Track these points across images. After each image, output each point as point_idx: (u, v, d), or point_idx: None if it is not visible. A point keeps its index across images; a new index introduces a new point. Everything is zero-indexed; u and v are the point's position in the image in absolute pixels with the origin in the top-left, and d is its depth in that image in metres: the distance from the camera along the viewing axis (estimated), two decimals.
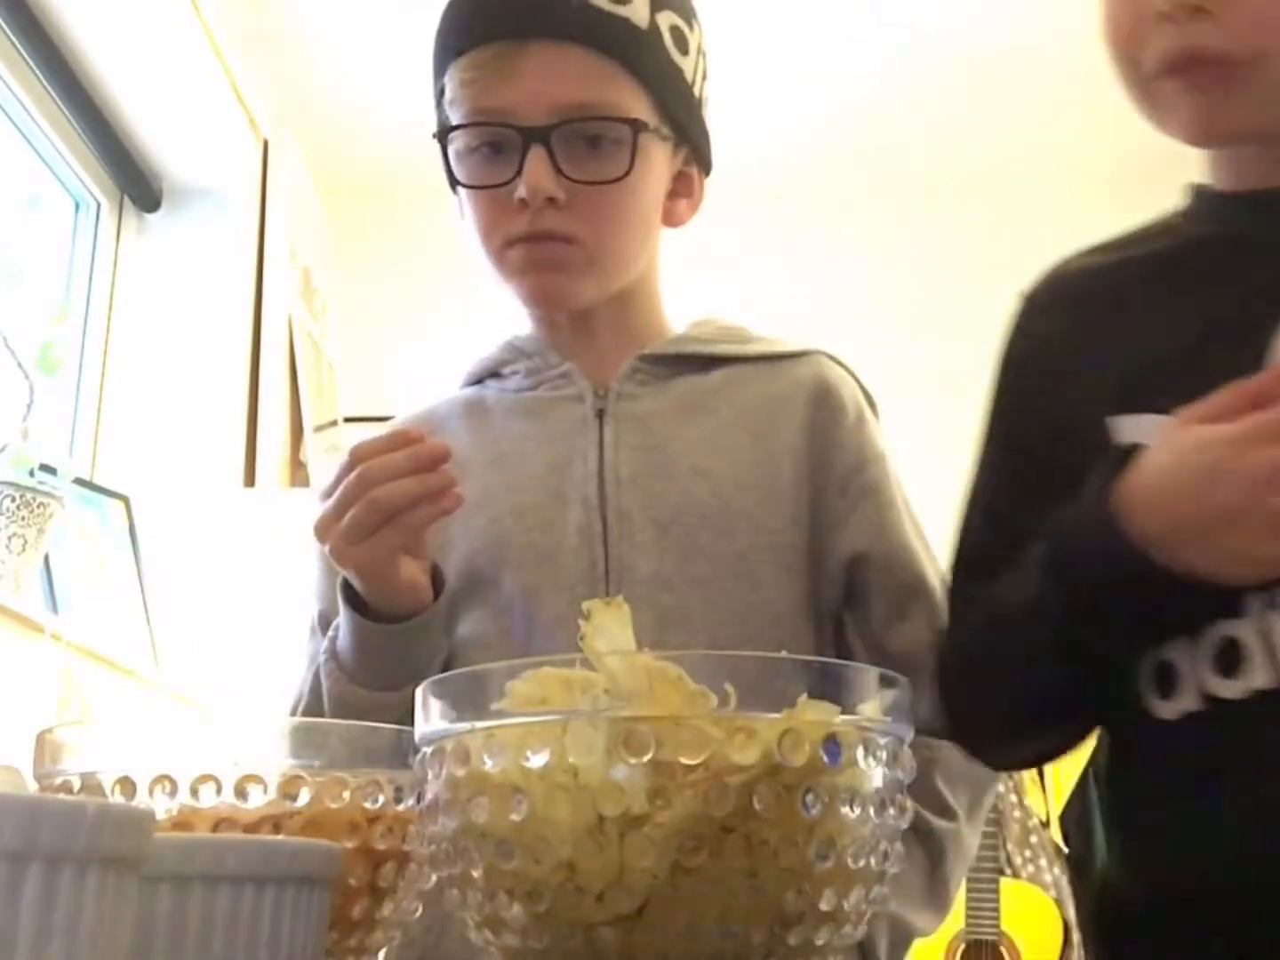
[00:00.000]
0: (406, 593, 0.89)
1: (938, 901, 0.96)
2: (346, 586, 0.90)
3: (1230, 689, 0.68)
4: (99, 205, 2.60)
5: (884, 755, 0.44)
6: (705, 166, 1.08)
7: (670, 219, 1.07)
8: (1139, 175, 2.01)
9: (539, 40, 0.98)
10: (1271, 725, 0.67)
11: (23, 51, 2.18)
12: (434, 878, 0.54)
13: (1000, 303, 0.87)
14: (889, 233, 3.20)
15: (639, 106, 0.99)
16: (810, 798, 0.42)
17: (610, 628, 0.49)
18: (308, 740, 0.56)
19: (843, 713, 0.43)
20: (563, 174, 0.96)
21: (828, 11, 2.76)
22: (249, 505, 2.49)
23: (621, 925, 0.42)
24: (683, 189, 1.06)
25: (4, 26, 2.10)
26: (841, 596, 1.00)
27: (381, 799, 0.54)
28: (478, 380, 1.11)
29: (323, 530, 0.87)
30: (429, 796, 0.46)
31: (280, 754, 0.55)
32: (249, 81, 2.73)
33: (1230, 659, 0.68)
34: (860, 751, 0.43)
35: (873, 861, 0.44)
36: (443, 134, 1.02)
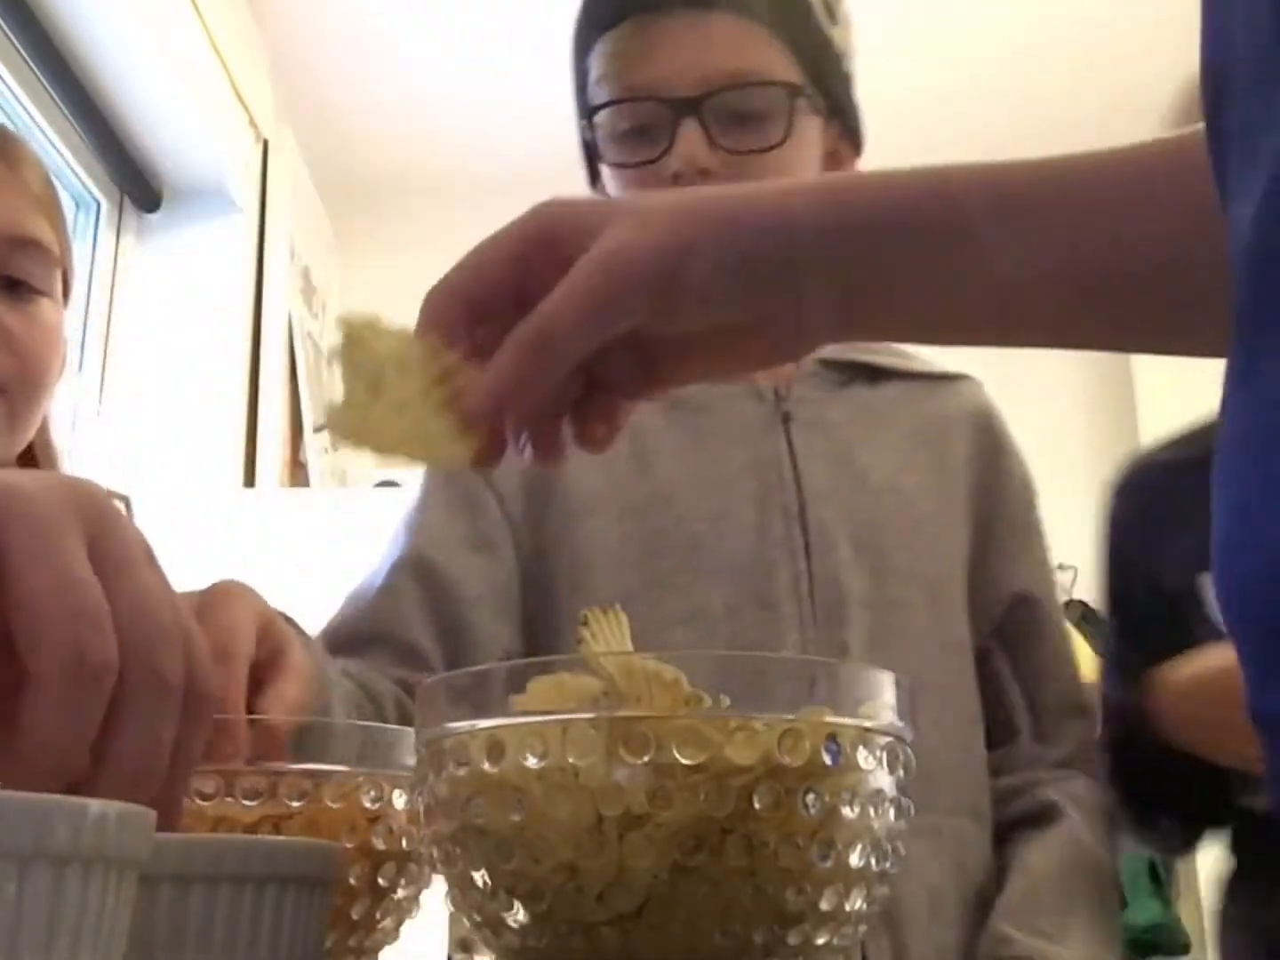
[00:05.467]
0: None
1: (1103, 937, 0.87)
2: None
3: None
4: (99, 205, 2.60)
5: (884, 755, 0.44)
6: (857, 145, 1.03)
7: None
8: None
9: (682, 10, 0.93)
10: None
11: (23, 52, 2.18)
12: (434, 878, 0.54)
13: None
14: None
15: (791, 73, 0.94)
16: (810, 798, 0.42)
17: (608, 634, 0.49)
18: (308, 740, 0.57)
19: (843, 713, 0.43)
20: (716, 145, 0.92)
21: None
22: (249, 505, 2.49)
23: (621, 925, 0.42)
24: (833, 168, 1.00)
25: (4, 26, 2.10)
26: (995, 628, 0.97)
27: (381, 799, 0.54)
28: None
29: None
30: (429, 796, 0.46)
31: (280, 754, 0.55)
32: (249, 81, 2.73)
33: None
34: (860, 751, 0.43)
35: (873, 862, 0.44)
36: (588, 115, 0.98)
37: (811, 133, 0.96)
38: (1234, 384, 0.34)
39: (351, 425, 0.51)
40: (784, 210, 0.54)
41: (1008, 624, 0.97)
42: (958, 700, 0.94)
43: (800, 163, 0.95)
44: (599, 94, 0.97)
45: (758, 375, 0.97)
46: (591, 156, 1.02)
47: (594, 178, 1.04)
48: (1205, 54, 0.40)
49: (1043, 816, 0.92)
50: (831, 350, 0.99)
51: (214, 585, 0.61)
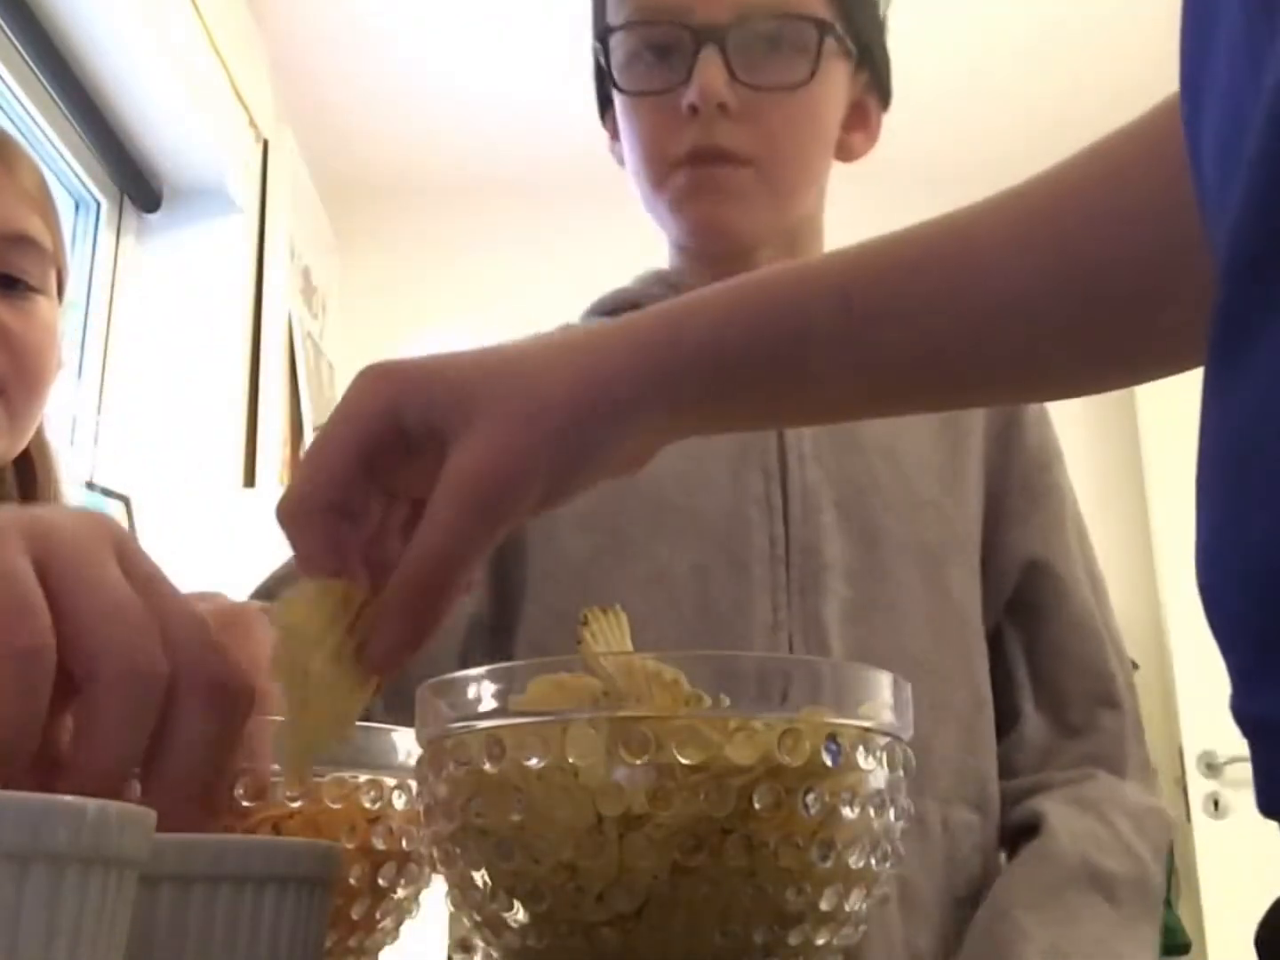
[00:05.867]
0: None
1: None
2: None
3: None
4: (99, 205, 2.61)
5: (884, 755, 0.44)
6: (884, 98, 0.97)
7: (844, 152, 0.95)
8: None
9: None
10: None
11: (23, 52, 2.18)
12: (434, 878, 0.54)
13: None
14: None
15: (824, 11, 0.88)
16: (810, 798, 0.42)
17: (608, 634, 0.49)
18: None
19: (843, 713, 0.43)
20: (737, 79, 0.86)
21: None
22: (249, 505, 2.50)
23: (621, 925, 0.42)
24: (858, 120, 0.95)
25: (4, 26, 2.10)
26: (1006, 602, 0.91)
27: (381, 799, 0.54)
28: (610, 312, 0.96)
29: None
30: (429, 796, 0.46)
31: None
32: (249, 81, 2.73)
33: None
34: (860, 751, 0.43)
35: (873, 862, 0.44)
36: (603, 35, 0.91)
37: (839, 77, 0.91)
38: (1211, 397, 0.35)
39: (302, 752, 0.48)
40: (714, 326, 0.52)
41: (1019, 596, 0.91)
42: (957, 681, 0.87)
43: (823, 108, 0.91)
44: (616, 14, 0.90)
45: None
46: (603, 83, 0.97)
47: (604, 107, 0.99)
48: (1184, 69, 0.40)
49: (1029, 829, 0.84)
50: None
51: (225, 608, 0.61)
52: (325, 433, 0.50)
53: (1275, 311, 0.31)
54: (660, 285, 0.95)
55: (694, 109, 0.86)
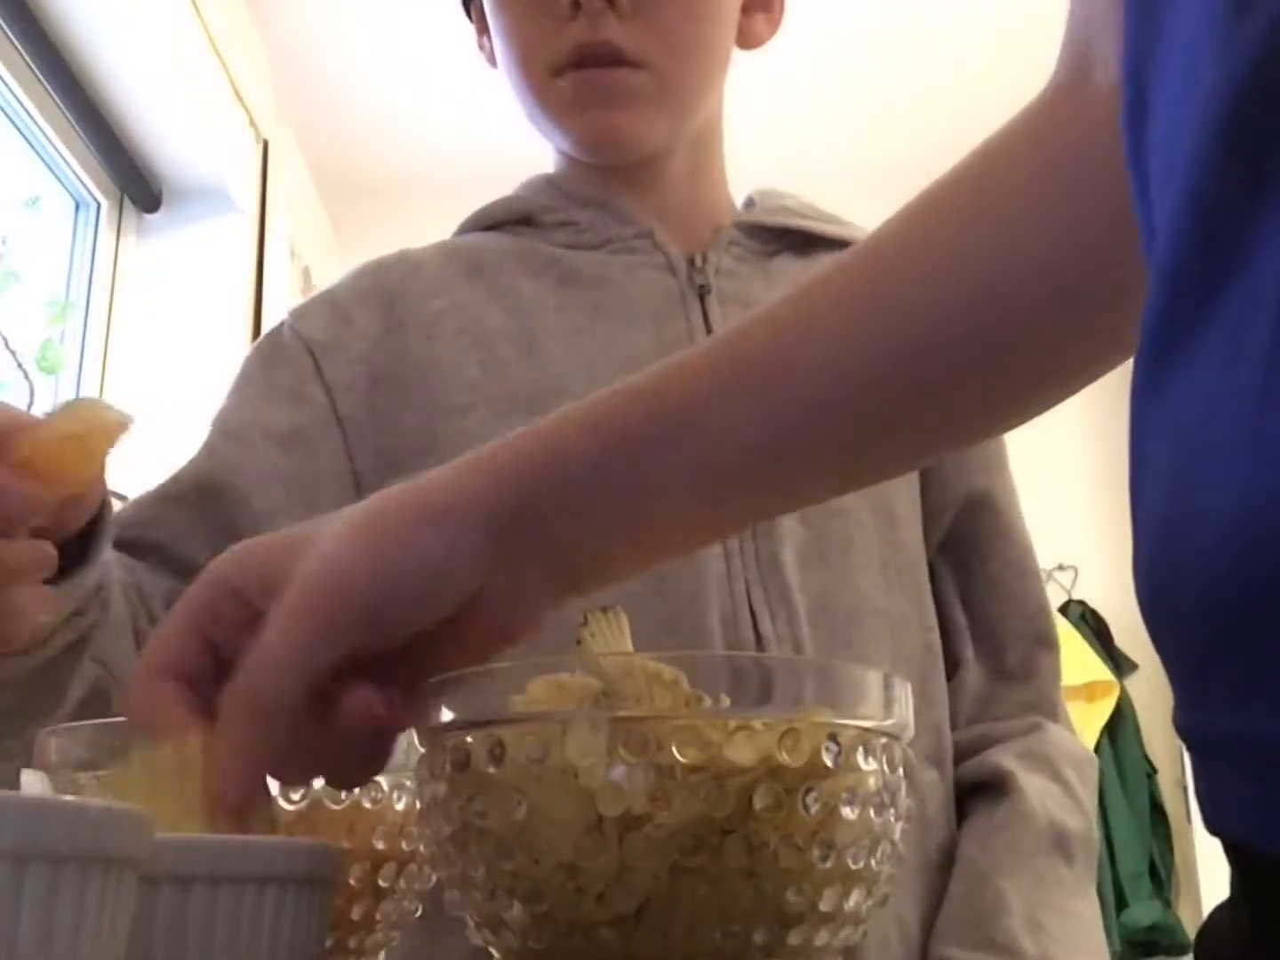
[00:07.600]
0: None
1: (1066, 915, 0.75)
2: None
3: None
4: (99, 205, 2.61)
5: (884, 755, 0.44)
6: None
7: (747, 38, 0.88)
8: None
9: None
10: None
11: (23, 52, 2.18)
12: (434, 878, 0.54)
13: None
14: None
15: None
16: (810, 798, 0.42)
17: (608, 634, 0.49)
18: None
19: (842, 713, 0.43)
20: None
21: None
22: None
23: (621, 925, 0.42)
24: (759, 1, 0.89)
25: (4, 26, 2.10)
26: (941, 538, 0.86)
27: (381, 799, 0.54)
28: (496, 224, 0.90)
29: None
30: (429, 796, 0.46)
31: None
32: (249, 81, 2.73)
33: None
34: (860, 751, 0.43)
35: (873, 862, 0.44)
36: None
37: None
38: (1146, 401, 0.34)
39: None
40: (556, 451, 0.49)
41: (957, 530, 0.86)
42: (911, 625, 0.82)
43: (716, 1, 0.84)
44: None
45: (669, 242, 0.85)
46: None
47: (470, 16, 0.92)
48: (1127, 59, 0.37)
49: (991, 787, 0.80)
50: (755, 214, 0.89)
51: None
52: (172, 611, 0.49)
53: (1211, 315, 0.30)
54: (551, 193, 0.89)
55: (576, 4, 0.79)
